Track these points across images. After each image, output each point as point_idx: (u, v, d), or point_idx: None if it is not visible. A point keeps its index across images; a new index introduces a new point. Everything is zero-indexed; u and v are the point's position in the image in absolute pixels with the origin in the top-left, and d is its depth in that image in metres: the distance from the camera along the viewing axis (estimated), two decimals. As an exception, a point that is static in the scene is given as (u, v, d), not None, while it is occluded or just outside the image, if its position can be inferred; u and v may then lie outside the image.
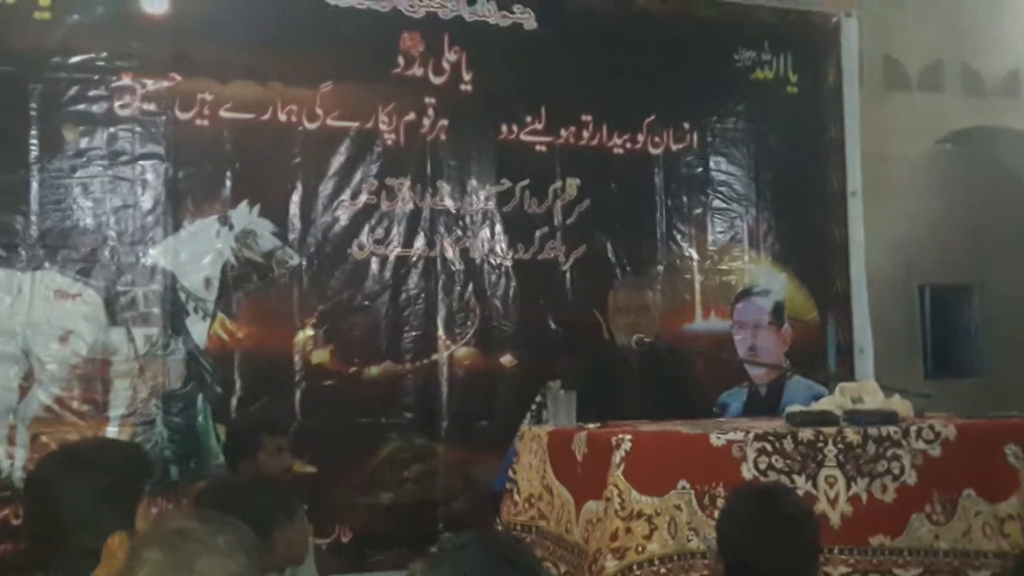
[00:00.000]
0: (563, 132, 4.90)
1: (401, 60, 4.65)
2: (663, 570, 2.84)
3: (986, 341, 7.84)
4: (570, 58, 4.91)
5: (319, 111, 4.50)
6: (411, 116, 4.65)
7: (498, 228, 4.79)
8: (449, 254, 4.70)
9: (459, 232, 4.72)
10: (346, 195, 4.55)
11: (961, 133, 6.15)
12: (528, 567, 1.61)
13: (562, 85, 4.90)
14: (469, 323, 4.71)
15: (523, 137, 4.84)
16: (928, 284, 7.80)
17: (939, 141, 6.08)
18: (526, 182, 4.82)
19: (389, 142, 4.61)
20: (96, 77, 4.20)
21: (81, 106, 4.19)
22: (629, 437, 2.95)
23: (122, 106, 4.23)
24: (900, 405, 3.40)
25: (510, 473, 3.58)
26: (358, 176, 4.57)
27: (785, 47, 5.36)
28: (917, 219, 7.36)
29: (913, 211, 7.27)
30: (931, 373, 7.45)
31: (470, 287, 4.72)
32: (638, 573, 2.82)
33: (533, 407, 4.29)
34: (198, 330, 4.30)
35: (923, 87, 5.86)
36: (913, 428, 3.16)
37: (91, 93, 4.20)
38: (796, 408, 3.54)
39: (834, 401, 3.52)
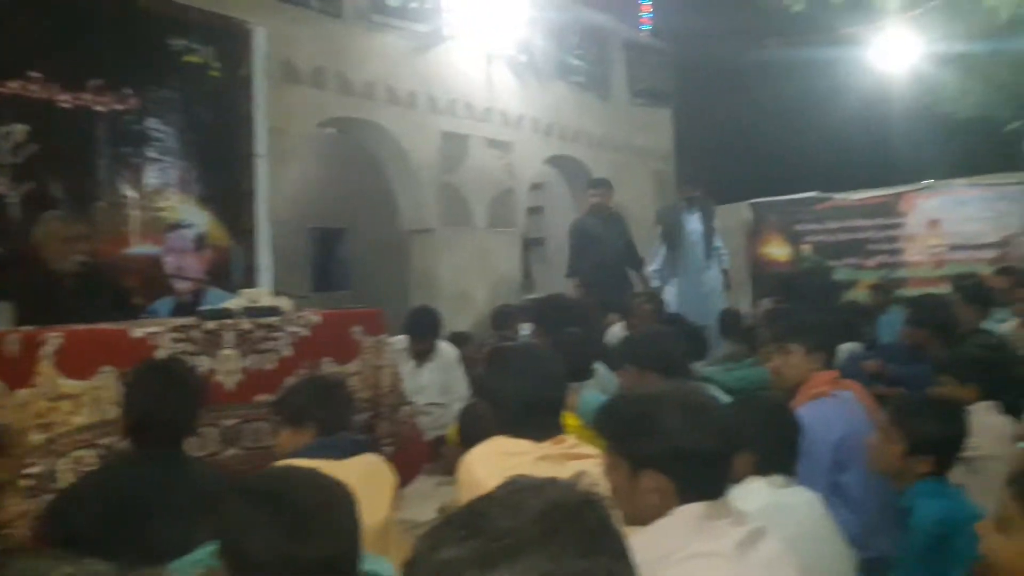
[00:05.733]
0: (12, 84, 4.09)
1: None
2: (87, 436, 2.54)
3: (352, 266, 8.26)
4: (20, 20, 4.11)
5: None
6: None
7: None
8: None
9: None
10: None
11: (337, 120, 6.30)
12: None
13: (10, 44, 4.08)
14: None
15: (-28, 86, 3.96)
16: (316, 226, 7.97)
17: (321, 124, 6.17)
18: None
19: None
20: None
21: None
22: (56, 334, 2.57)
23: None
24: (284, 303, 3.38)
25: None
26: None
27: (210, 41, 5.00)
28: (309, 180, 7.47)
29: (305, 174, 7.35)
30: (317, 287, 7.66)
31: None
32: (65, 440, 2.49)
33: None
34: None
35: (312, 84, 5.88)
36: (291, 317, 3.18)
37: None
38: (206, 307, 3.37)
39: (237, 302, 3.41)
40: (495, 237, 7.34)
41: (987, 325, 4.45)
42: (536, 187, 8.40)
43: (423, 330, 4.84)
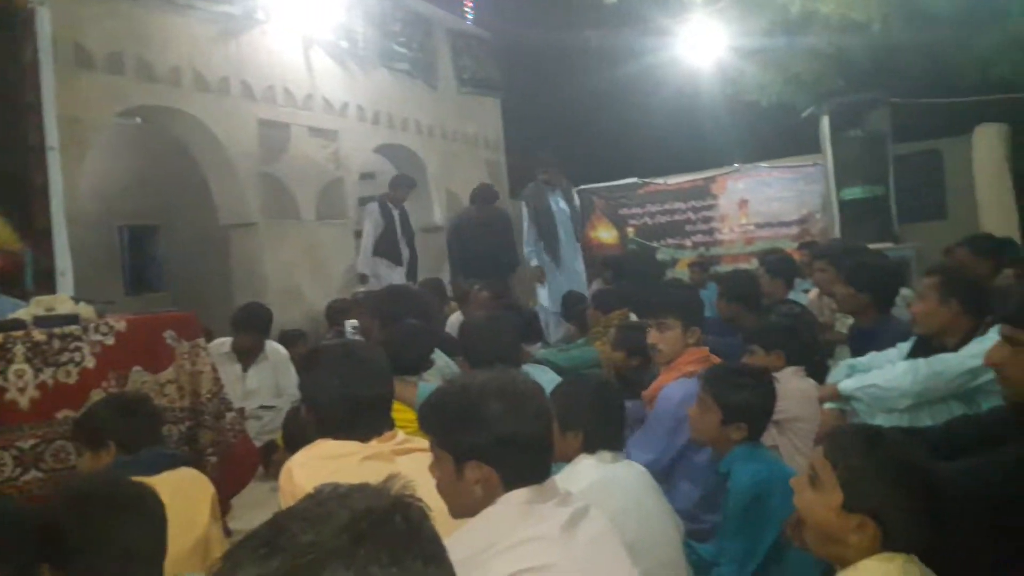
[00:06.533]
0: None
1: None
2: None
3: (169, 265, 7.73)
4: None
5: None
6: None
7: None
8: None
9: None
10: None
11: (141, 109, 5.81)
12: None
13: None
14: None
15: None
16: (126, 224, 7.39)
17: (122, 114, 5.67)
18: None
19: None
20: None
21: None
22: None
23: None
24: (84, 310, 3.11)
25: None
26: None
27: (-15, 22, 4.48)
28: (115, 174, 6.90)
29: (111, 167, 6.79)
30: (130, 290, 7.12)
31: None
32: None
33: None
34: None
35: (107, 70, 5.38)
36: (92, 326, 2.91)
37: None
38: (-10, 320, 3.02)
39: (28, 311, 3.08)
40: (324, 229, 7.11)
41: (793, 296, 4.81)
42: (367, 177, 8.22)
43: (249, 328, 4.61)
